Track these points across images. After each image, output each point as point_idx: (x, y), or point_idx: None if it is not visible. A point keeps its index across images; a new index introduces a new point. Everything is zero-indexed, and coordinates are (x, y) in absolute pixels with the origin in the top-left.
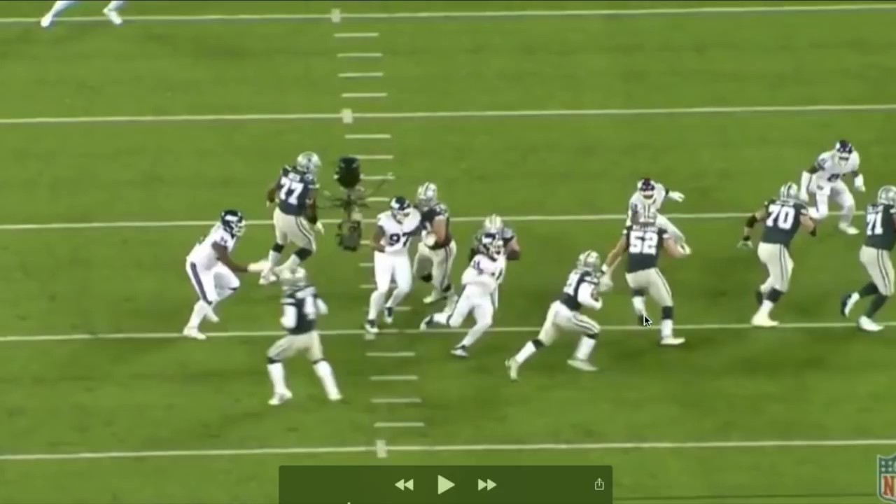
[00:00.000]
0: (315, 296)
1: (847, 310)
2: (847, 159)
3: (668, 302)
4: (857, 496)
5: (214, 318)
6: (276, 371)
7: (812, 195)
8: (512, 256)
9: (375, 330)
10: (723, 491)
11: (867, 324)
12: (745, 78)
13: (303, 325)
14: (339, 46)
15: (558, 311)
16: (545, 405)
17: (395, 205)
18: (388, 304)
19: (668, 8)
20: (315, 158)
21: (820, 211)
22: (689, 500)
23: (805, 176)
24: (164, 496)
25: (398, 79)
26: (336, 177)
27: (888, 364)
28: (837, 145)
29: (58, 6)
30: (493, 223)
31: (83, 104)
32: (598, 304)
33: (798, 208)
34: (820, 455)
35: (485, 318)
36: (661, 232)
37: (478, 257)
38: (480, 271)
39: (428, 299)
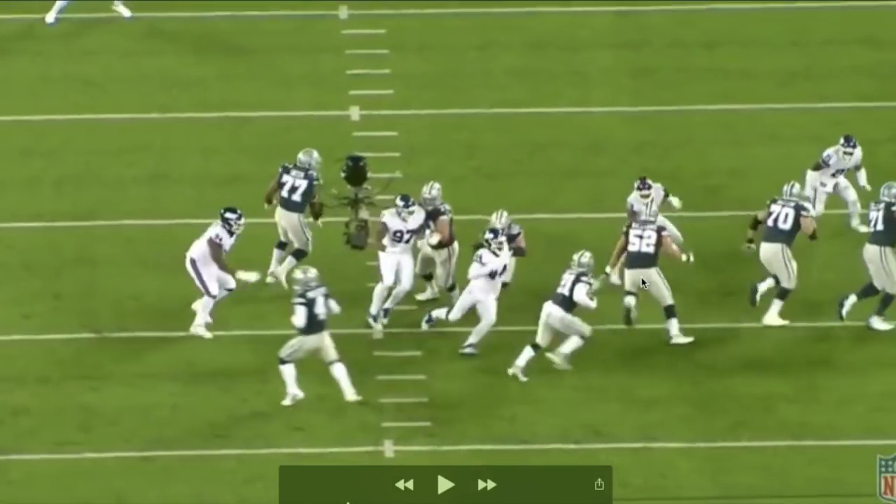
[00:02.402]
0: (327, 296)
1: (844, 312)
2: (852, 154)
3: (669, 300)
4: (867, 497)
5: (209, 319)
6: (288, 371)
7: (813, 191)
8: (518, 253)
9: (379, 325)
10: (732, 492)
11: (878, 323)
12: (755, 75)
13: (313, 325)
14: (346, 43)
15: (550, 312)
16: (554, 405)
17: (399, 202)
18: (387, 305)
19: (678, 4)
20: (316, 154)
21: (816, 209)
22: (698, 500)
23: (809, 174)
24: (169, 496)
25: (406, 76)
26: (343, 175)
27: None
28: (842, 140)
29: (60, 3)
30: (500, 218)
31: (88, 101)
32: (593, 304)
33: (798, 209)
34: (831, 455)
35: (489, 316)
36: (660, 230)
37: (481, 251)
38: (483, 264)
39: (421, 297)
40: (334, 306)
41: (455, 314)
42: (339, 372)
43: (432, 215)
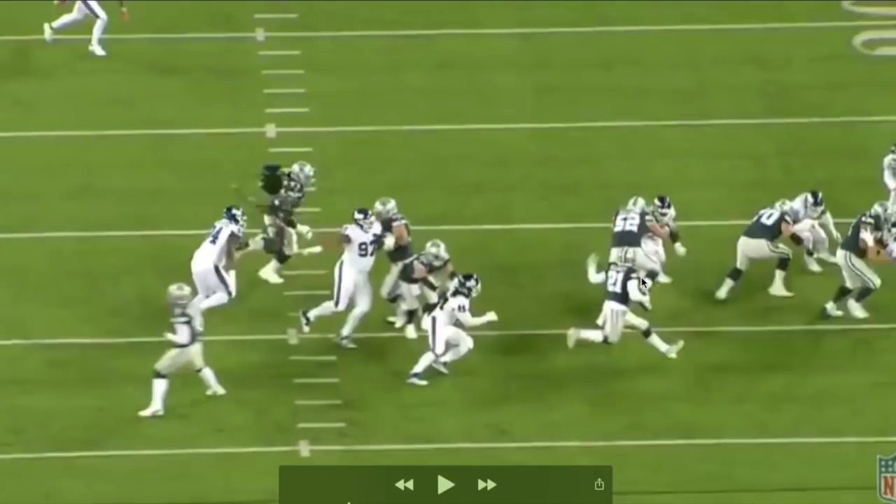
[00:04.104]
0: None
1: (829, 313)
2: (820, 207)
3: (645, 325)
4: (758, 492)
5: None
6: (161, 387)
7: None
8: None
9: (350, 344)
10: (628, 487)
11: (857, 310)
12: (650, 93)
13: (193, 338)
14: (263, 64)
15: (613, 309)
16: (460, 406)
17: (358, 215)
18: (346, 333)
19: (577, 27)
20: (308, 169)
21: (816, 253)
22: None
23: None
24: (96, 494)
25: (320, 94)
26: (260, 184)
27: (785, 366)
28: (809, 197)
29: (64, 21)
30: (439, 248)
31: (18, 119)
32: (646, 298)
33: (783, 214)
34: (720, 452)
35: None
36: (643, 214)
37: (458, 299)
38: (464, 310)
39: (392, 319)
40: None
41: (440, 349)
42: (209, 374)
43: (385, 225)
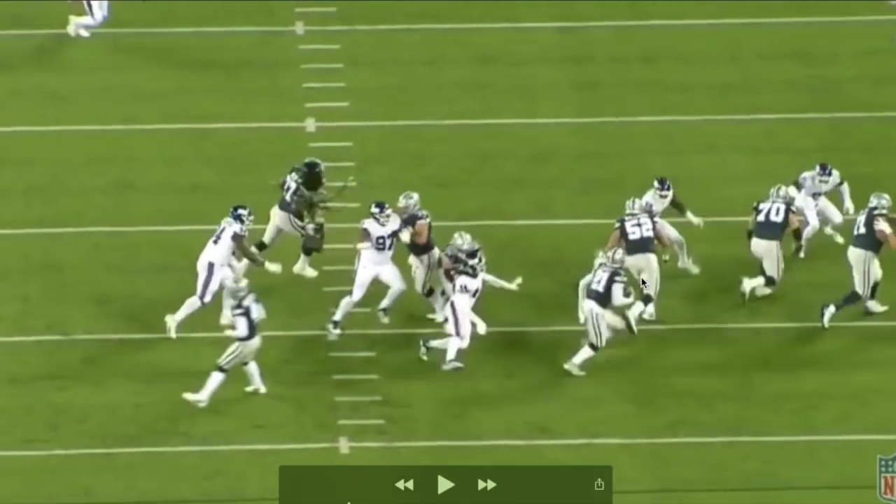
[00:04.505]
0: (257, 300)
1: (826, 321)
2: (827, 181)
3: (653, 291)
4: (801, 490)
5: (179, 319)
6: (217, 380)
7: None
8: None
9: (338, 332)
10: (672, 485)
11: (874, 306)
12: (692, 88)
13: (252, 331)
14: (302, 58)
15: (591, 309)
16: (501, 403)
17: (375, 209)
18: (384, 305)
19: (619, 20)
20: (321, 166)
21: (811, 223)
22: (639, 493)
23: (792, 189)
24: (134, 491)
25: (360, 89)
26: (300, 180)
27: (826, 364)
28: (818, 168)
29: (85, 19)
30: (463, 238)
31: (55, 113)
32: (630, 300)
33: (788, 205)
34: (764, 451)
35: (397, 285)
36: (652, 216)
37: (460, 279)
38: (466, 290)
39: (432, 316)
40: (262, 310)
41: (463, 339)
42: (254, 369)
43: (409, 221)
